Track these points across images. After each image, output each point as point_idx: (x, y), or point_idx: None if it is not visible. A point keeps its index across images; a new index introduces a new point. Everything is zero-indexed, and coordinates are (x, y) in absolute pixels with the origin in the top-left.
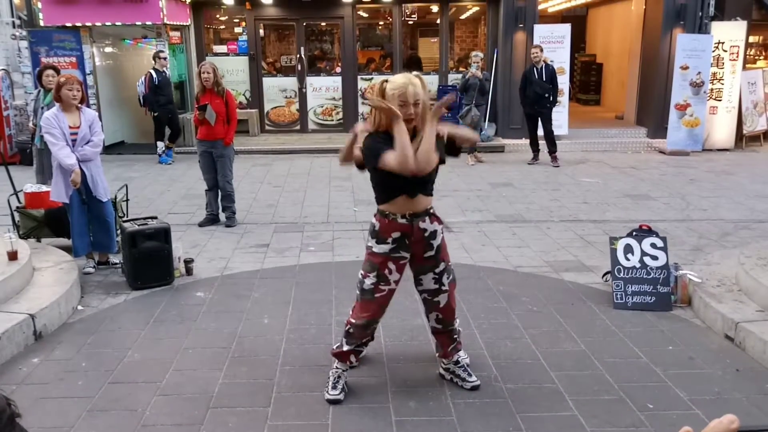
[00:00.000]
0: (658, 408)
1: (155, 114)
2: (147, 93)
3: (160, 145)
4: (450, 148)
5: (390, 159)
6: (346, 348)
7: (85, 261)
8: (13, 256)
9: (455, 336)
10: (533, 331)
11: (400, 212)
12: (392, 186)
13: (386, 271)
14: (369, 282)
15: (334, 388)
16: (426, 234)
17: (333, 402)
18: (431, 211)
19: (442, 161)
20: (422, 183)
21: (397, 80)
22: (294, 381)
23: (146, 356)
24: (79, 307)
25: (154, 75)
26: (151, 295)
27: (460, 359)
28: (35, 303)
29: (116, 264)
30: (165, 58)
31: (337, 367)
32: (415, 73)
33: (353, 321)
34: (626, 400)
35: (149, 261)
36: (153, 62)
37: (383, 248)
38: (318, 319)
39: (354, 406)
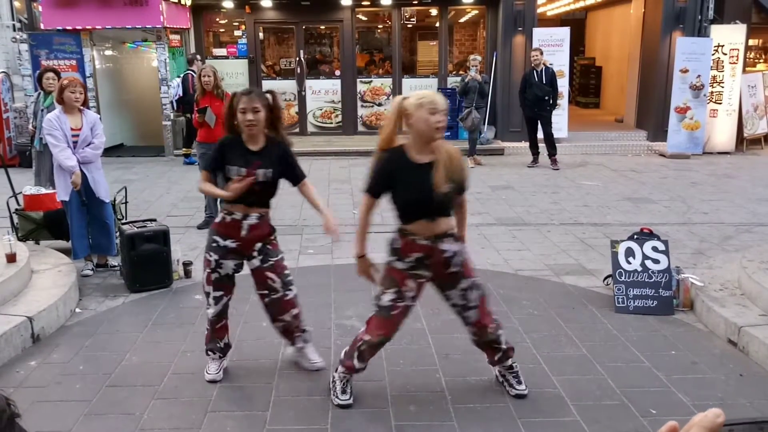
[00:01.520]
0: (660, 413)
1: (188, 115)
2: (190, 94)
3: (193, 147)
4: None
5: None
6: (355, 363)
7: (83, 263)
8: (11, 258)
9: (499, 346)
10: (534, 335)
11: (422, 234)
12: (412, 211)
13: (405, 288)
14: (387, 299)
15: (344, 392)
16: (446, 255)
17: (344, 407)
18: (452, 232)
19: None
20: (441, 207)
21: (423, 92)
22: (293, 385)
23: (144, 359)
24: (77, 310)
25: (195, 77)
26: (150, 298)
27: (514, 365)
28: (33, 305)
29: (115, 266)
30: (203, 61)
31: (343, 373)
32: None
33: (366, 338)
34: (628, 406)
35: (148, 263)
36: (189, 65)
37: (403, 265)
38: (317, 322)
39: (353, 410)
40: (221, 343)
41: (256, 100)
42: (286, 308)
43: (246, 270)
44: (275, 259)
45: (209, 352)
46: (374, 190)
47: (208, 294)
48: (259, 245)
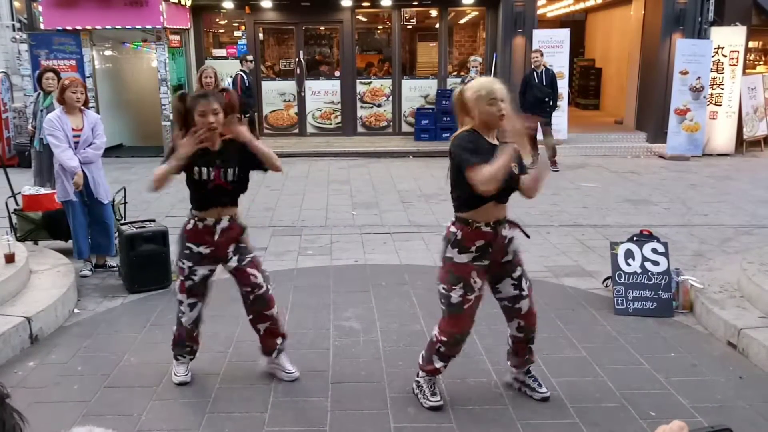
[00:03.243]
0: (660, 416)
1: (246, 116)
2: (239, 95)
3: None
4: None
5: (478, 175)
6: (438, 365)
7: (82, 264)
8: (10, 258)
9: (532, 344)
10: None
11: (485, 220)
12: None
13: (472, 281)
14: (456, 295)
15: (434, 394)
16: (506, 240)
17: (436, 408)
18: (508, 218)
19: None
20: (512, 189)
21: (479, 81)
22: (291, 386)
23: (143, 360)
24: (76, 311)
25: (245, 77)
26: (149, 299)
27: (531, 370)
28: (32, 306)
29: (113, 267)
30: (252, 61)
31: (427, 377)
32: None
33: (444, 339)
34: (628, 408)
35: (147, 264)
36: (240, 64)
37: (466, 257)
38: (316, 323)
39: (352, 411)
40: (196, 347)
41: (214, 102)
42: (271, 304)
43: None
44: (251, 255)
45: (178, 357)
46: (479, 159)
47: (181, 302)
48: (232, 246)
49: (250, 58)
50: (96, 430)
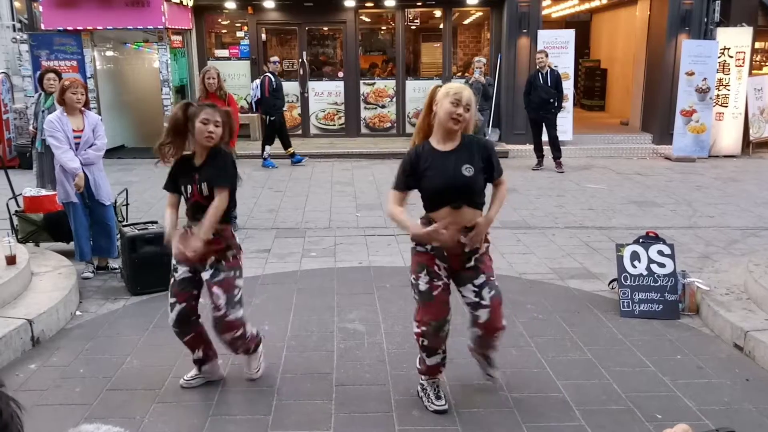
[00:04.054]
0: (666, 418)
1: (272, 118)
2: (267, 96)
3: (267, 149)
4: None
5: (387, 202)
6: (430, 362)
7: (84, 266)
8: (11, 260)
9: (491, 354)
10: (539, 340)
11: None
12: (436, 198)
13: (435, 268)
14: (423, 282)
15: (438, 398)
16: (465, 249)
17: (441, 412)
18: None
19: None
20: (467, 195)
21: (454, 84)
22: (295, 389)
23: (145, 363)
24: (78, 313)
25: (273, 79)
26: (151, 301)
27: (488, 355)
28: (33, 308)
29: (115, 269)
30: (276, 63)
31: (428, 380)
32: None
33: (423, 329)
34: (634, 411)
35: (149, 266)
36: (267, 66)
37: (425, 248)
38: (319, 326)
39: (356, 414)
40: (199, 353)
41: (218, 115)
42: (227, 329)
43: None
44: (225, 275)
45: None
46: (400, 186)
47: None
48: (212, 258)
49: (274, 59)
50: (104, 428)
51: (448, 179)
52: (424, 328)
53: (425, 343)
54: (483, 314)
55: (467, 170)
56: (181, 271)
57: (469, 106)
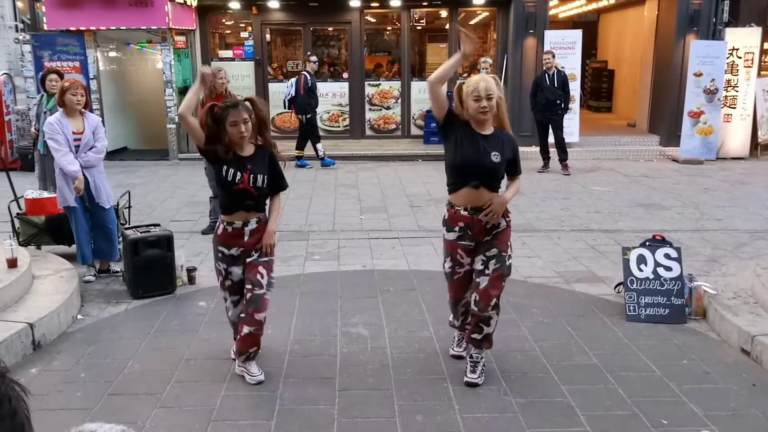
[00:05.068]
0: (672, 424)
1: (308, 117)
2: (302, 95)
3: (319, 146)
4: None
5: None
6: (451, 321)
7: (85, 269)
8: (12, 263)
9: (482, 327)
10: (544, 344)
11: (463, 205)
12: (463, 174)
13: (458, 256)
14: (447, 266)
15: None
16: (488, 227)
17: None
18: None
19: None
20: (489, 178)
21: (471, 79)
22: (298, 394)
23: (147, 367)
24: (79, 316)
25: (309, 77)
26: (153, 305)
27: (473, 355)
28: (34, 312)
29: (117, 272)
30: (315, 62)
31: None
32: (492, 75)
33: (448, 297)
34: (640, 416)
35: (151, 269)
36: (304, 65)
37: (452, 235)
38: (323, 330)
39: (359, 419)
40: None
41: (244, 112)
42: (261, 307)
43: None
44: (269, 258)
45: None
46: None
47: (225, 299)
48: (259, 246)
49: (313, 58)
50: (106, 426)
51: (478, 156)
52: (448, 298)
53: (450, 306)
54: (483, 281)
55: (495, 156)
56: (237, 273)
57: (491, 93)
